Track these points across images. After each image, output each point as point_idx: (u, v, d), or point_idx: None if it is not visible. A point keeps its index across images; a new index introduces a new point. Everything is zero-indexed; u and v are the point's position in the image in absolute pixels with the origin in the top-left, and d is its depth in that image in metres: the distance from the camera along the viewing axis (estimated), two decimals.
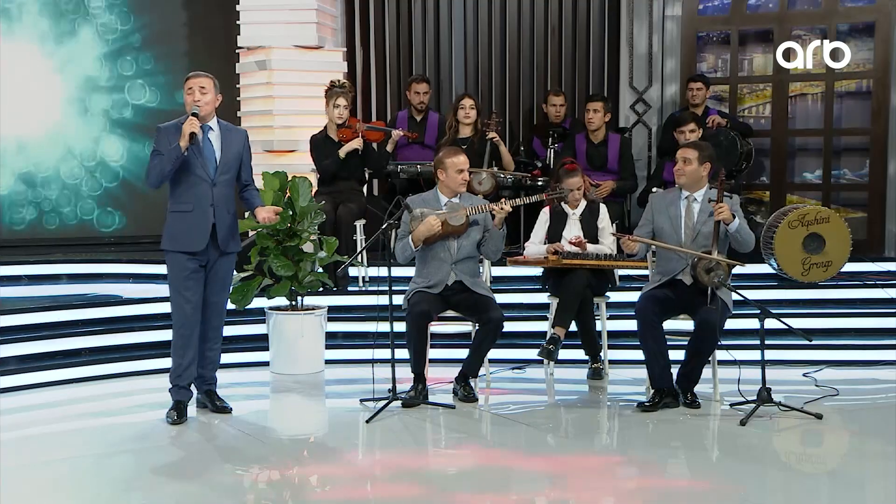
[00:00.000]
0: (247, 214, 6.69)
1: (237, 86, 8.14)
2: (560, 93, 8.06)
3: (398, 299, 5.55)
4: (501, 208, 5.50)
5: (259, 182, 6.44)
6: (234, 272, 6.41)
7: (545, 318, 6.23)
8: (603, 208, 6.19)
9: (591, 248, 5.93)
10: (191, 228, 5.09)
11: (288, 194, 6.28)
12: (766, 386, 5.14)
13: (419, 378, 5.49)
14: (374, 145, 7.25)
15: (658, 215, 5.52)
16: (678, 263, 5.41)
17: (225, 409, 5.34)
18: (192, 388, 5.30)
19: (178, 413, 5.16)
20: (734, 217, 5.27)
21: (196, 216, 5.08)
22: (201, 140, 5.08)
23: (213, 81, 5.16)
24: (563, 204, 6.05)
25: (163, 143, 5.05)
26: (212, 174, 5.10)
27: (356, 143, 6.93)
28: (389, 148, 7.31)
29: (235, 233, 5.27)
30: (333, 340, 6.58)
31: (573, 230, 6.05)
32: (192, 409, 5.31)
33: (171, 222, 5.15)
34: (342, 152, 6.94)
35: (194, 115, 5.01)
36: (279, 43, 7.95)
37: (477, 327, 5.60)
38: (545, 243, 6.02)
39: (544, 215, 6.14)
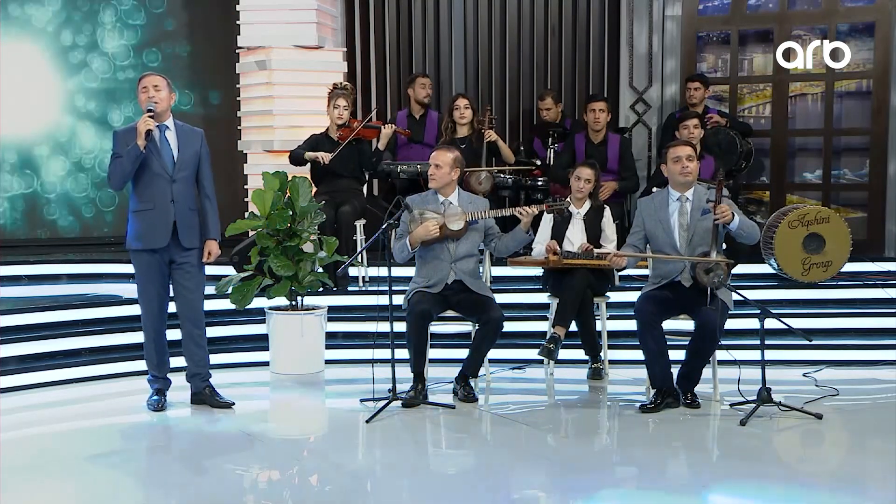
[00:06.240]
0: (246, 214, 6.71)
1: (237, 86, 8.15)
2: (545, 96, 7.97)
3: (398, 299, 5.55)
4: (526, 212, 5.52)
5: (259, 182, 6.45)
6: (235, 272, 6.44)
7: (545, 318, 6.23)
8: (607, 210, 6.18)
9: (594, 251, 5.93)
10: (152, 226, 5.17)
11: (288, 194, 6.28)
12: (766, 386, 5.14)
13: (419, 378, 5.50)
14: (374, 143, 7.23)
15: (648, 221, 5.47)
16: (674, 266, 5.40)
17: (226, 405, 5.38)
18: (168, 376, 5.45)
19: (158, 400, 5.33)
20: (734, 216, 5.26)
21: (157, 213, 5.16)
22: (158, 139, 5.17)
23: (166, 80, 5.27)
24: (566, 209, 6.04)
25: (120, 146, 5.14)
26: (170, 171, 5.17)
27: (324, 157, 6.85)
28: (381, 145, 7.26)
29: (197, 229, 5.30)
30: (333, 340, 6.59)
31: (576, 230, 6.05)
32: (192, 408, 5.34)
33: (133, 222, 5.24)
34: (309, 156, 6.89)
35: (150, 110, 5.09)
36: (279, 43, 7.96)
37: (477, 327, 5.60)
38: None
39: (548, 214, 6.12)
